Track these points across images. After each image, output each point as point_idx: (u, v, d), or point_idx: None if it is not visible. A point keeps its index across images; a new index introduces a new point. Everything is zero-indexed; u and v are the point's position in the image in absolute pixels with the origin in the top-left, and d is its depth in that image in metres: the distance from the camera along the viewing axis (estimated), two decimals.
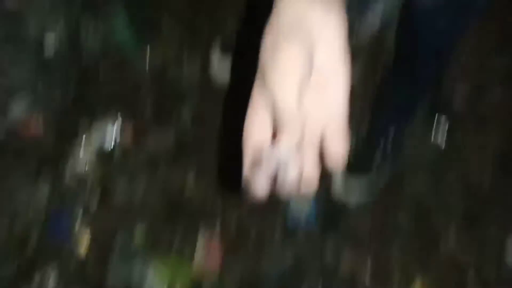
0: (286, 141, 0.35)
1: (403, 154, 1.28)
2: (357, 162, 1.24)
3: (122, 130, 1.30)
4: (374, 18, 1.38)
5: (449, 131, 1.33)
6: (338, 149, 0.36)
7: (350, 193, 1.25)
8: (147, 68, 1.37)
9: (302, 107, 0.34)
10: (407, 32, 1.01)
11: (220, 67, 1.36)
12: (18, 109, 1.30)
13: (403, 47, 1.06)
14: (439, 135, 1.34)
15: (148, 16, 1.43)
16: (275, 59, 0.34)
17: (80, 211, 1.21)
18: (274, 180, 0.36)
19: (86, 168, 1.27)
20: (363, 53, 1.38)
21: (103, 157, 1.29)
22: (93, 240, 1.19)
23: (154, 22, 1.42)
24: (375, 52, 1.38)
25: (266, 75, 0.35)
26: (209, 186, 1.25)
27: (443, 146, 1.33)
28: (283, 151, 0.35)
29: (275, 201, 1.22)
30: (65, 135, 1.30)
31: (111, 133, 1.30)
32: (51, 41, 1.37)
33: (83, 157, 1.28)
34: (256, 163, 0.36)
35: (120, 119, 1.31)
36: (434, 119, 1.34)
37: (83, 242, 1.18)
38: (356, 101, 1.31)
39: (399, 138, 1.24)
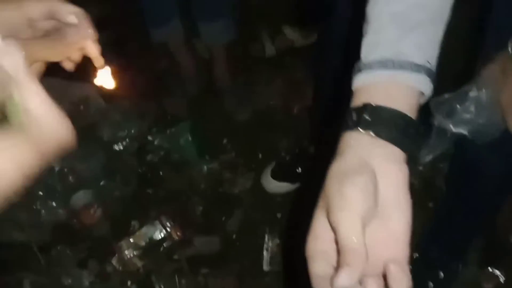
0: (349, 273, 0.35)
1: None
2: None
3: (171, 232, 1.35)
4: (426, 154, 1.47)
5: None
6: (402, 285, 0.37)
7: None
8: (204, 171, 1.47)
9: (365, 239, 0.36)
10: (461, 168, 1.07)
11: (272, 185, 1.44)
12: (79, 200, 1.40)
13: (457, 182, 1.11)
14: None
15: (210, 138, 1.56)
16: (342, 192, 0.37)
17: None
18: None
19: (130, 265, 1.29)
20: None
21: (148, 255, 1.32)
22: None
23: (214, 144, 1.55)
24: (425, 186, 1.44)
25: (330, 208, 0.37)
26: None
27: None
28: (345, 283, 0.35)
29: None
30: (117, 230, 1.36)
31: (159, 234, 1.35)
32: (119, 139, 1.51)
33: (129, 252, 1.31)
34: None
35: (170, 221, 1.37)
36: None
37: None
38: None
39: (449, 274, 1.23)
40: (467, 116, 0.74)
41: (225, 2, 1.51)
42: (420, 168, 1.46)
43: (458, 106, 0.74)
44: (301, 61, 1.70)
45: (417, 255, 1.26)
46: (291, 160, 1.46)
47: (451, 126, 0.75)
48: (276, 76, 1.65)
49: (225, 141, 1.56)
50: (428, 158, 1.15)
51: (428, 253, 1.25)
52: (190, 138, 1.52)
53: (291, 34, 1.75)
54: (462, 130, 0.76)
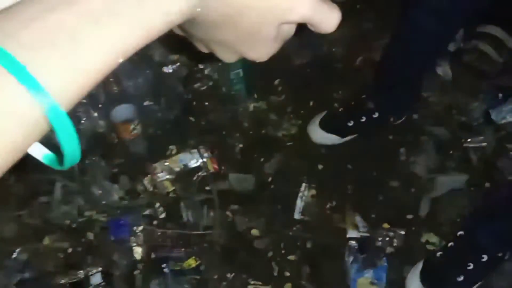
0: None
1: None
2: None
3: (207, 162, 1.31)
4: None
5: None
6: None
7: None
8: (250, 109, 1.41)
9: None
10: None
11: (319, 135, 1.36)
12: (120, 114, 1.37)
13: None
14: None
15: (261, 77, 1.49)
16: None
17: (142, 223, 1.20)
18: None
19: (161, 187, 1.27)
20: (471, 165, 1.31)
21: (180, 181, 1.28)
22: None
23: (265, 83, 1.48)
24: None
25: None
26: (273, 238, 1.19)
27: None
28: None
29: None
30: (153, 151, 1.33)
31: (195, 163, 1.31)
32: (169, 62, 1.46)
33: (162, 175, 1.28)
34: None
35: (208, 152, 1.32)
36: None
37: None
38: None
39: None
40: None
41: None
42: (484, 144, 1.33)
43: None
44: (373, 10, 1.57)
45: (462, 233, 1.17)
46: (343, 112, 1.36)
47: None
48: (344, 22, 1.52)
49: (276, 82, 1.48)
50: (508, 118, 1.05)
51: (475, 234, 1.15)
52: (241, 74, 1.45)
53: None
54: None
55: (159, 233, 1.18)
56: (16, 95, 0.22)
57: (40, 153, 0.28)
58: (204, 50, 0.36)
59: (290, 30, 0.34)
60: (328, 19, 0.33)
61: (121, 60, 0.26)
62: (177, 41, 0.42)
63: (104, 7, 0.25)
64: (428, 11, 1.09)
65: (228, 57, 0.35)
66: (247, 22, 0.30)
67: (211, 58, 0.38)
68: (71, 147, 0.25)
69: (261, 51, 0.34)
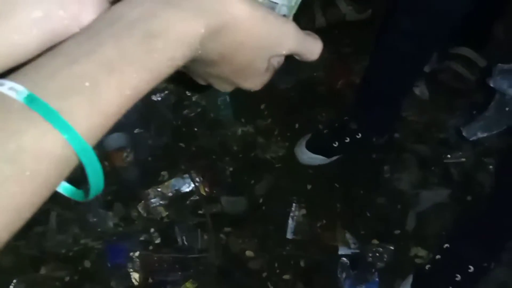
0: None
1: None
2: None
3: (199, 187, 1.34)
4: None
5: None
6: None
7: None
8: (238, 133, 1.45)
9: None
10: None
11: (306, 156, 1.40)
12: (113, 143, 1.40)
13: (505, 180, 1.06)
14: None
15: (248, 102, 1.54)
16: None
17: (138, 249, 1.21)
18: None
19: (155, 213, 1.29)
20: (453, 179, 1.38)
21: (173, 206, 1.31)
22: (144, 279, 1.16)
23: (252, 108, 1.53)
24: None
25: None
26: (267, 258, 1.22)
27: None
28: None
29: None
30: (146, 177, 1.36)
31: (187, 187, 1.34)
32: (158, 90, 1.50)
33: (155, 201, 1.31)
34: None
35: (200, 177, 1.35)
36: None
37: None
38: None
39: None
40: None
41: None
42: (463, 159, 1.40)
43: None
44: (351, 36, 1.65)
45: (448, 246, 1.22)
46: (328, 134, 1.42)
47: (506, 87, 0.71)
48: (324, 48, 1.60)
49: (263, 106, 1.53)
50: (481, 134, 1.11)
51: (460, 245, 1.21)
52: (228, 99, 1.50)
53: (344, 7, 1.70)
54: None
55: (155, 258, 1.20)
56: (52, 139, 0.26)
57: (60, 186, 0.31)
58: (201, 82, 0.40)
59: (280, 61, 0.39)
60: (311, 49, 0.38)
61: (134, 102, 0.29)
62: None
63: (118, 55, 0.28)
64: (403, 36, 1.16)
65: (224, 87, 0.39)
66: (242, 58, 0.35)
67: (205, 88, 0.43)
68: (97, 179, 0.28)
69: (255, 82, 0.38)
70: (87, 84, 0.27)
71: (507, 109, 0.89)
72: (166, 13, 0.30)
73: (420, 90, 1.54)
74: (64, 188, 0.32)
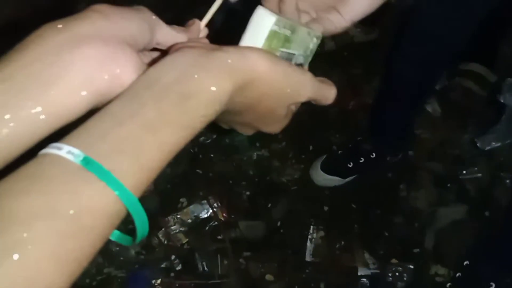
0: None
1: None
2: None
3: (217, 212, 1.36)
4: None
5: None
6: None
7: None
8: (254, 157, 1.47)
9: None
10: None
11: (321, 178, 1.42)
12: None
13: None
14: None
15: None
16: None
17: (160, 276, 1.23)
18: None
19: (175, 240, 1.32)
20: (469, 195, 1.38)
21: (193, 233, 1.33)
22: None
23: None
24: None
25: None
26: (287, 282, 1.22)
27: None
28: None
29: None
30: (165, 205, 1.38)
31: (206, 213, 1.37)
32: None
33: (175, 228, 1.33)
34: None
35: (218, 202, 1.38)
36: None
37: None
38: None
39: None
40: None
41: None
42: (479, 175, 1.41)
43: None
44: (359, 57, 1.68)
45: (468, 263, 1.21)
46: (342, 155, 1.44)
47: None
48: (334, 71, 1.63)
49: None
50: (495, 144, 1.12)
51: (480, 262, 1.20)
52: None
53: (352, 29, 1.73)
54: None
55: (177, 285, 1.22)
56: (106, 196, 0.29)
57: None
58: (225, 127, 0.44)
59: (297, 106, 0.43)
60: (326, 96, 0.43)
61: (174, 155, 0.32)
62: None
63: (157, 117, 0.31)
64: (411, 64, 1.18)
65: (246, 131, 0.43)
66: (264, 107, 0.39)
67: (228, 131, 0.46)
68: (143, 226, 0.31)
69: (275, 126, 0.42)
70: (132, 144, 0.30)
71: None
72: (198, 75, 0.33)
73: (432, 107, 1.55)
74: (113, 234, 0.35)
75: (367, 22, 1.72)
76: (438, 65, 1.20)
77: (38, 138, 0.33)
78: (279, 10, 0.45)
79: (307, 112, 1.57)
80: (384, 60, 1.32)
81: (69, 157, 0.29)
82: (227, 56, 0.34)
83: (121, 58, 0.35)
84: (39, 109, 0.32)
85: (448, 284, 1.19)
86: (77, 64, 0.33)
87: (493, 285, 1.17)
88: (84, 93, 0.33)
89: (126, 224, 0.32)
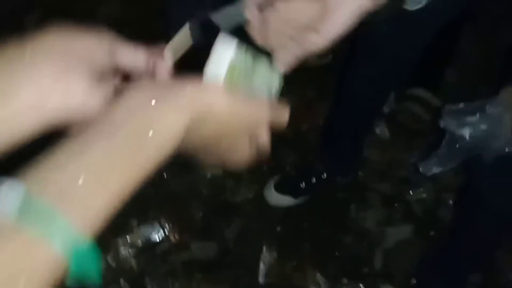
0: None
1: None
2: None
3: (168, 233, 1.34)
4: None
5: None
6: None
7: None
8: (207, 177, 1.46)
9: None
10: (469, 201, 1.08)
11: (275, 197, 1.43)
12: None
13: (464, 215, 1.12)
14: None
15: None
16: None
17: None
18: None
19: (124, 263, 1.28)
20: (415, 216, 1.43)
21: (143, 255, 1.30)
22: None
23: None
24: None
25: None
26: None
27: None
28: None
29: None
30: (114, 226, 1.34)
31: (156, 235, 1.34)
32: None
33: (124, 250, 1.30)
34: None
35: (169, 223, 1.36)
36: None
37: None
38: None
39: None
40: (472, 119, 0.76)
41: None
42: (424, 196, 1.46)
43: (469, 116, 0.75)
44: (313, 80, 1.72)
45: (415, 282, 1.25)
46: (296, 175, 1.46)
47: (454, 127, 0.76)
48: (287, 94, 1.66)
49: None
50: (436, 170, 1.16)
51: (426, 280, 1.24)
52: None
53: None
54: (465, 133, 0.77)
55: None
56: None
57: None
58: (193, 161, 0.45)
59: (261, 141, 0.44)
60: (280, 119, 0.46)
61: (127, 194, 0.34)
62: None
63: (106, 155, 0.32)
64: (362, 80, 1.23)
65: (213, 164, 0.45)
66: (225, 138, 0.40)
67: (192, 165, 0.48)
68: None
69: (239, 157, 0.44)
70: (79, 184, 0.30)
71: (457, 146, 0.95)
72: (153, 109, 0.34)
73: (381, 130, 1.61)
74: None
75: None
76: (389, 83, 1.25)
77: None
78: (262, 35, 0.46)
79: None
80: (337, 79, 1.36)
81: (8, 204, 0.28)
82: (183, 92, 0.35)
83: (74, 76, 0.35)
84: None
85: None
86: (30, 80, 0.33)
87: None
88: (31, 116, 0.33)
89: None
